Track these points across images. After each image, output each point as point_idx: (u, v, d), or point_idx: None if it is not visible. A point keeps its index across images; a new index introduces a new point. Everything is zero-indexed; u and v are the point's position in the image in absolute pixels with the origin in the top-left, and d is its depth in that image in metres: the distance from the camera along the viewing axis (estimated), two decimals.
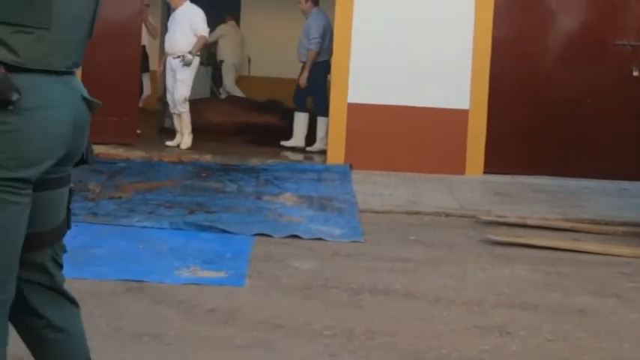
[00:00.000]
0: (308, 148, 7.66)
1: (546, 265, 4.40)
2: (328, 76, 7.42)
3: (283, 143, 7.75)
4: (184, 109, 7.49)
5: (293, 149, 7.71)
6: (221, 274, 4.03)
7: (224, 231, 4.83)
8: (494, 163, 6.78)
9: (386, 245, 4.79)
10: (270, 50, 9.85)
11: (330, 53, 7.29)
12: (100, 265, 4.11)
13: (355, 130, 6.88)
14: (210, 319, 3.41)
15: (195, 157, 7.11)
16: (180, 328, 3.27)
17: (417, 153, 6.81)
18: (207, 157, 7.13)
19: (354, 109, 6.89)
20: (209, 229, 4.88)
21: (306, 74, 7.61)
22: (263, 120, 8.39)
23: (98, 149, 7.06)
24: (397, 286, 3.94)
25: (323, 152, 7.35)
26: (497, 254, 4.59)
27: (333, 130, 6.98)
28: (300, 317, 3.45)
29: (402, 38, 6.86)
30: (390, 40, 6.88)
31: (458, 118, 6.67)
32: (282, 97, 8.93)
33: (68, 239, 4.78)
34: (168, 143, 7.56)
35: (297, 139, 7.83)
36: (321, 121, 7.66)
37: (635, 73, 6.77)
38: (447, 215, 5.57)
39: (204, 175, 6.51)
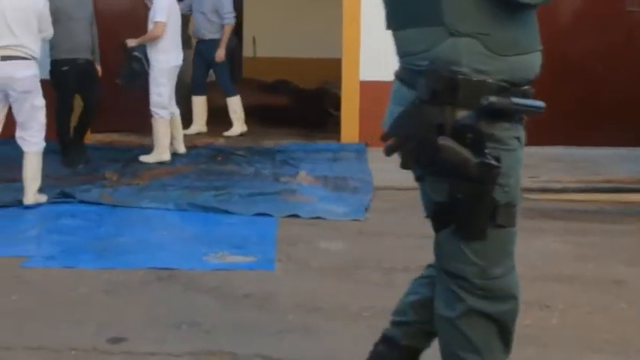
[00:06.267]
0: (226, 134, 7.25)
1: (575, 237, 4.37)
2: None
3: (186, 132, 7.01)
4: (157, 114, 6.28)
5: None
6: (250, 259, 3.99)
7: (227, 211, 4.82)
8: None
9: (411, 222, 4.74)
10: (275, 29, 9.73)
11: None
12: (127, 254, 4.08)
13: (368, 107, 6.81)
14: (246, 304, 3.38)
15: (208, 140, 7.05)
16: (217, 315, 3.25)
17: None
18: (221, 141, 7.07)
19: (366, 87, 6.81)
20: (213, 210, 4.86)
21: (223, 50, 7.26)
22: (273, 101, 8.31)
23: (110, 137, 7.03)
24: (430, 263, 3.90)
25: (242, 135, 7.19)
26: (525, 227, 4.52)
27: (346, 109, 6.91)
28: (336, 299, 3.42)
29: None
30: None
31: None
32: (289, 77, 8.85)
33: (91, 229, 4.76)
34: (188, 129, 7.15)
35: (199, 124, 7.44)
36: (233, 101, 7.34)
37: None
38: None
39: (219, 158, 6.46)
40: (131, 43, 6.22)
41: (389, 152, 1.85)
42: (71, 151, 6.15)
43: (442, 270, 1.93)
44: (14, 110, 4.85)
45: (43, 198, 4.97)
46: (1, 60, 4.70)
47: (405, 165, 1.84)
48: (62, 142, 6.13)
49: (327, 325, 3.14)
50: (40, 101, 4.83)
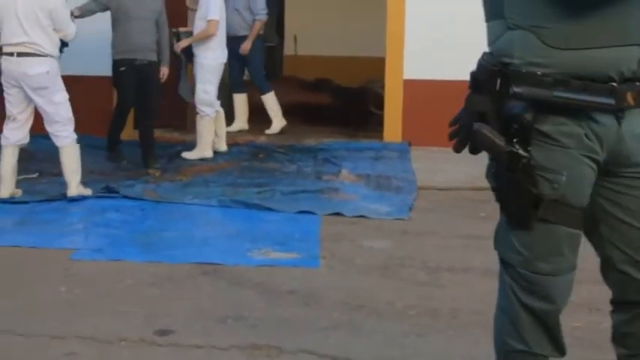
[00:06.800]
0: (267, 132, 7.19)
1: None
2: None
3: (228, 129, 6.73)
4: (203, 112, 6.28)
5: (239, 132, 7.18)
6: (294, 256, 3.99)
7: (269, 208, 4.84)
8: None
9: (456, 222, 4.70)
10: (317, 27, 9.73)
11: None
12: (172, 248, 4.11)
13: (412, 106, 6.76)
14: (290, 300, 3.38)
15: (250, 138, 7.08)
16: (262, 310, 3.25)
17: None
18: (262, 139, 7.09)
19: (410, 86, 6.77)
20: (255, 207, 4.89)
21: (249, 44, 7.15)
22: (314, 99, 8.31)
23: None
24: (475, 263, 3.86)
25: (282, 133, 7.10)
26: None
27: (389, 108, 6.87)
28: (382, 297, 3.40)
29: (457, 10, 6.70)
30: (444, 12, 6.73)
31: None
32: (331, 76, 8.84)
33: (136, 224, 4.81)
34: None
35: (241, 121, 7.38)
36: (268, 98, 7.26)
37: None
38: None
39: (261, 156, 6.48)
40: (183, 44, 6.16)
41: (449, 137, 1.93)
42: (117, 148, 6.15)
43: (499, 257, 1.95)
44: (37, 106, 4.92)
45: (88, 191, 5.04)
46: (17, 56, 4.79)
47: (455, 149, 1.92)
48: (109, 138, 6.15)
49: (372, 322, 3.12)
50: (59, 97, 4.85)
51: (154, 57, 5.86)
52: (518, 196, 1.82)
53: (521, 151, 1.76)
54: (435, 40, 6.68)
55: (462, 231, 4.46)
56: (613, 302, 2.01)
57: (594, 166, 1.83)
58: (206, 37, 6.21)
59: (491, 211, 5.39)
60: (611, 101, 1.76)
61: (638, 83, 1.79)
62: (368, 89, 8.23)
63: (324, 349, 2.84)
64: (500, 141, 1.77)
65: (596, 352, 2.87)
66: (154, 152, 6.01)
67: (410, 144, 6.63)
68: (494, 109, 1.79)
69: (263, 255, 4.01)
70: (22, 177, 5.21)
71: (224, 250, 4.07)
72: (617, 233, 1.89)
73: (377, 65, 7.54)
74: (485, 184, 6.48)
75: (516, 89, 1.76)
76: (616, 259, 1.91)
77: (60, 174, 5.72)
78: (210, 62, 6.25)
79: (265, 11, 7.36)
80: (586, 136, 1.80)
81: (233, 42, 7.10)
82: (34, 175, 5.60)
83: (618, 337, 2.01)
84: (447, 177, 5.81)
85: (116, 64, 5.90)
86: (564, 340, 1.93)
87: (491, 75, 1.80)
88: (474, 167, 6.00)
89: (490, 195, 6.14)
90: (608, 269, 1.95)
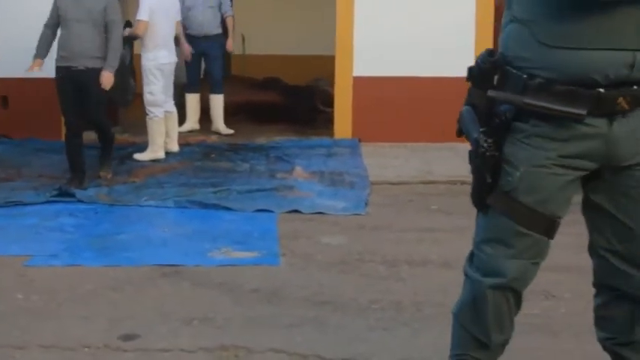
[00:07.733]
0: (225, 132, 7.16)
1: (572, 227, 4.41)
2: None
3: (179, 129, 6.61)
4: (151, 113, 6.21)
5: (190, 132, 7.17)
6: (254, 254, 4.00)
7: (227, 208, 4.85)
8: None
9: (409, 216, 4.79)
10: (265, 26, 9.70)
11: None
12: (130, 251, 4.07)
13: (361, 103, 6.83)
14: (255, 299, 3.39)
15: (201, 138, 7.03)
16: (227, 310, 3.25)
17: (424, 123, 6.78)
18: (214, 138, 7.05)
19: (359, 83, 6.83)
20: (213, 206, 4.88)
21: (231, 41, 7.28)
22: (263, 98, 8.30)
23: None
24: (432, 256, 3.94)
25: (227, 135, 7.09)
26: None
27: (339, 105, 6.92)
28: (345, 292, 3.44)
29: (404, 8, 6.80)
30: (392, 10, 6.82)
31: (463, 86, 6.64)
32: (280, 75, 8.83)
33: (91, 227, 4.72)
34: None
35: (192, 122, 7.33)
36: (219, 99, 7.24)
37: None
38: (462, 183, 5.56)
39: (213, 155, 6.45)
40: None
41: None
42: (77, 172, 5.36)
43: None
44: None
45: None
46: None
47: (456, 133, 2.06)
48: (69, 165, 5.39)
49: (337, 318, 3.16)
50: None
51: (93, 63, 5.21)
52: (476, 179, 1.97)
53: (482, 140, 1.88)
54: (383, 38, 6.76)
55: (415, 224, 4.55)
56: (594, 285, 2.12)
57: (571, 172, 1.89)
58: (134, 37, 6.10)
59: (441, 204, 5.52)
60: (583, 112, 1.78)
61: (635, 87, 1.78)
62: (315, 87, 8.27)
63: (293, 347, 2.86)
64: (472, 128, 1.91)
65: (553, 339, 2.98)
66: (110, 156, 5.75)
67: (360, 140, 6.70)
68: (485, 103, 1.88)
69: (223, 254, 4.00)
70: None
71: (184, 251, 4.05)
72: (605, 224, 2.01)
73: (324, 63, 7.58)
74: (435, 177, 6.62)
75: (490, 93, 1.85)
76: (599, 245, 2.03)
77: (8, 179, 5.59)
78: (149, 63, 6.17)
79: (231, 7, 7.34)
80: (565, 140, 1.84)
81: (202, 41, 7.04)
82: None
83: (598, 320, 2.12)
84: (397, 172, 5.90)
85: (55, 71, 5.35)
86: (493, 334, 2.04)
87: (484, 72, 1.87)
88: (422, 162, 6.21)
89: (440, 188, 6.31)
90: (592, 252, 2.08)
